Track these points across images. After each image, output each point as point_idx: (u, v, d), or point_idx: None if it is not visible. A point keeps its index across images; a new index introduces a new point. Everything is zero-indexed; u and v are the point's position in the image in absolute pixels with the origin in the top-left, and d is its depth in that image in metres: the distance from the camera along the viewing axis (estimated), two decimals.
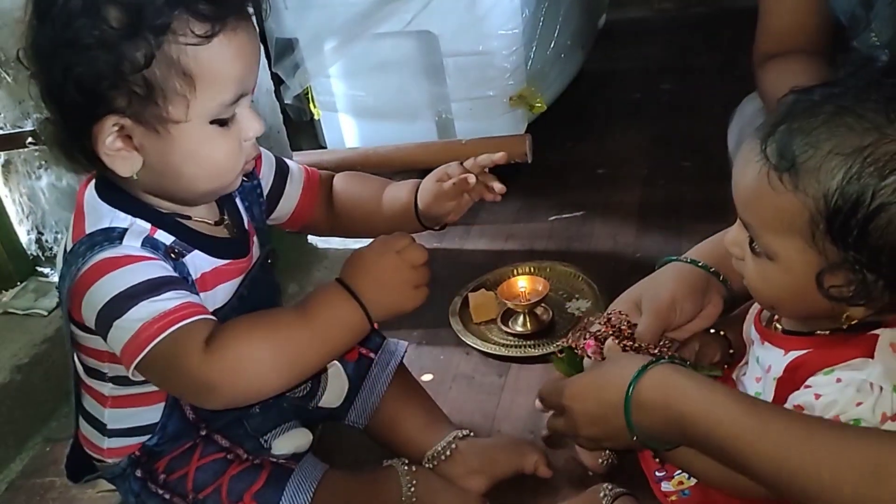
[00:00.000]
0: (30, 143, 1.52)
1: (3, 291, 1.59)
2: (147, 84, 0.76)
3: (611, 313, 0.94)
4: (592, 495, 0.97)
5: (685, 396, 0.74)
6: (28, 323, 1.50)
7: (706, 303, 0.94)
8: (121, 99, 0.77)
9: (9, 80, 1.48)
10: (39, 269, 1.67)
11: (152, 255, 0.83)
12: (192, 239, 0.89)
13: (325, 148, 2.02)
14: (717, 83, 2.13)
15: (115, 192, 0.87)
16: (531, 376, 1.30)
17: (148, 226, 0.85)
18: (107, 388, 0.95)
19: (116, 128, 0.79)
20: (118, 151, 0.80)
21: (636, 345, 0.89)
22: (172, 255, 0.86)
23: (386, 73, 1.84)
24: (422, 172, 2.03)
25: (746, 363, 0.87)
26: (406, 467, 1.02)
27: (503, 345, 1.36)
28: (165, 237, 0.86)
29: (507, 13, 1.74)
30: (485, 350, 1.35)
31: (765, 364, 0.82)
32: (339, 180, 1.10)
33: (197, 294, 0.87)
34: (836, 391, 0.71)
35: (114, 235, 0.83)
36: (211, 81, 0.78)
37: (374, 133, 1.93)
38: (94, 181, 0.89)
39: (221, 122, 0.82)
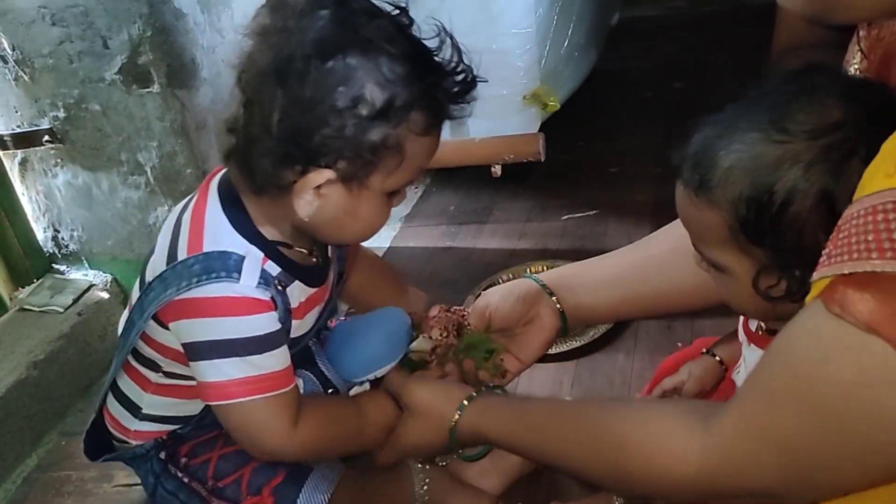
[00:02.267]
0: (46, 141, 1.54)
1: (20, 288, 1.61)
2: (374, 156, 0.81)
3: (454, 308, 1.03)
4: (605, 498, 0.98)
5: (488, 434, 0.87)
6: (44, 319, 1.51)
7: (533, 314, 1.02)
8: (346, 161, 0.81)
9: (26, 78, 1.49)
10: (55, 266, 1.68)
11: (265, 300, 0.87)
12: (293, 269, 0.92)
13: None
14: (731, 81, 2.13)
15: (237, 206, 0.89)
16: (543, 375, 1.30)
17: (260, 255, 0.88)
18: (155, 376, 0.97)
19: (326, 181, 0.82)
20: (308, 195, 0.83)
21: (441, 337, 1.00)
22: (278, 287, 0.89)
23: None
24: (435, 171, 2.04)
25: (741, 364, 0.88)
26: (420, 466, 1.03)
27: None
28: (273, 268, 0.89)
29: (521, 12, 1.74)
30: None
31: (751, 365, 0.83)
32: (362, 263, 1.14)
33: (289, 332, 0.93)
34: None
35: (231, 265, 0.85)
36: (412, 165, 0.85)
37: None
38: (216, 182, 0.91)
39: (392, 194, 0.87)
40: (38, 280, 1.63)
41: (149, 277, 0.89)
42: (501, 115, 1.82)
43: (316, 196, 0.83)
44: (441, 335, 0.99)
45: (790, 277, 0.70)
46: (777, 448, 0.58)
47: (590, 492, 1.03)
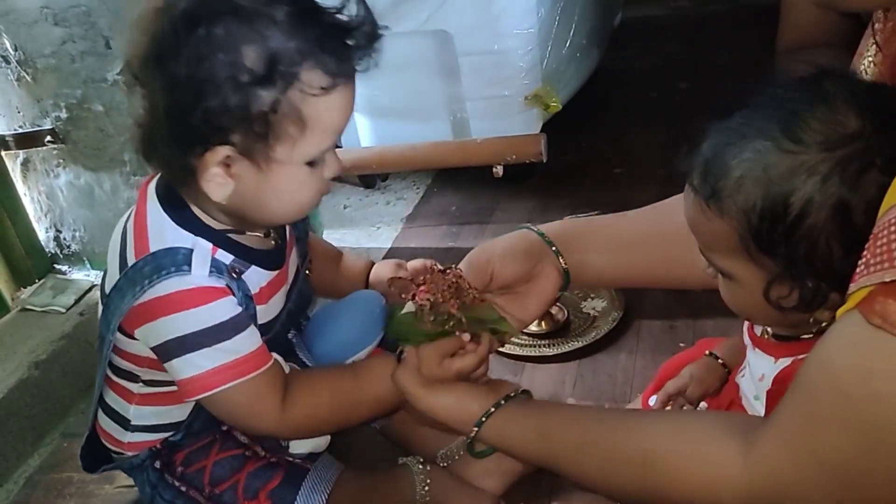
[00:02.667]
0: (48, 141, 1.54)
1: (22, 288, 1.61)
2: (266, 125, 0.79)
3: (448, 267, 0.91)
4: (606, 500, 0.97)
5: (511, 446, 0.84)
6: (46, 320, 1.51)
7: (537, 271, 0.93)
8: (237, 135, 0.79)
9: (28, 78, 1.49)
10: (57, 266, 1.68)
11: (220, 287, 0.86)
12: (247, 255, 0.91)
13: (341, 147, 2.02)
14: (734, 81, 2.12)
15: (177, 202, 0.89)
16: (546, 376, 1.30)
17: (209, 245, 0.87)
18: (135, 387, 0.97)
19: (226, 158, 0.81)
20: (215, 176, 0.82)
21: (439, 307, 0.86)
22: (234, 274, 0.88)
23: (401, 73, 1.84)
24: (437, 172, 2.04)
25: (745, 367, 0.87)
26: (421, 466, 1.02)
27: (518, 344, 1.36)
28: (225, 256, 0.89)
29: (523, 12, 1.73)
30: (499, 350, 1.34)
31: (756, 371, 0.83)
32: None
33: (255, 318, 0.91)
34: None
35: (179, 259, 0.85)
36: (320, 129, 0.82)
37: (389, 132, 1.93)
38: (153, 185, 0.91)
39: (312, 163, 0.85)
40: (39, 280, 1.63)
41: (107, 289, 0.89)
42: (503, 115, 1.82)
43: (227, 177, 0.82)
44: (431, 299, 0.87)
45: (802, 288, 0.69)
46: (828, 469, 0.56)
47: (591, 493, 1.02)
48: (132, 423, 0.99)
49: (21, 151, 1.58)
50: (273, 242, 0.96)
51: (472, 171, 1.90)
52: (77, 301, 1.56)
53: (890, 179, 0.61)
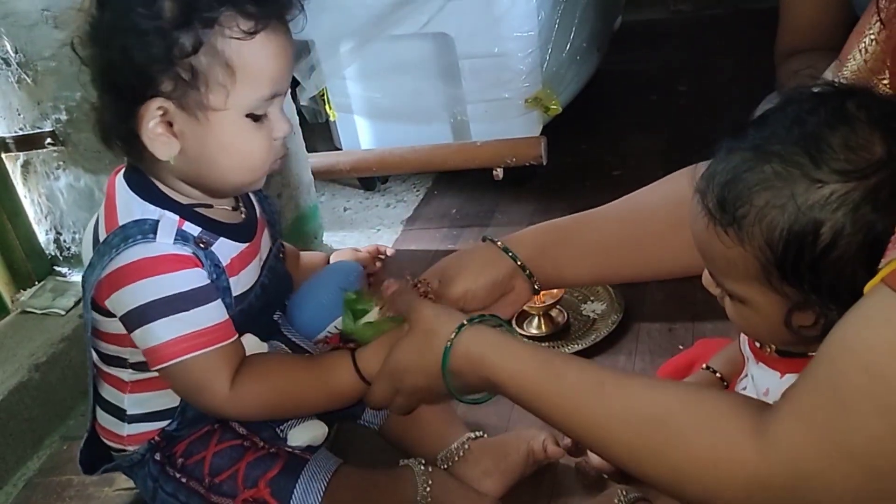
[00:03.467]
0: (48, 143, 1.54)
1: (22, 291, 1.60)
2: (193, 71, 0.82)
3: (419, 280, 0.95)
4: (608, 499, 0.97)
5: (491, 365, 0.77)
6: (46, 322, 1.51)
7: (508, 289, 0.97)
8: (168, 83, 0.83)
9: (28, 80, 1.49)
10: (57, 268, 1.68)
11: (186, 255, 0.88)
12: (215, 227, 0.94)
13: (341, 150, 2.02)
14: (735, 85, 2.12)
15: (144, 182, 0.92)
16: None
17: (176, 217, 0.90)
18: (126, 374, 0.98)
19: (161, 111, 0.84)
20: (159, 136, 0.85)
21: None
22: (201, 245, 0.91)
23: (401, 75, 1.84)
24: (437, 175, 2.05)
25: (746, 376, 0.87)
26: (422, 467, 1.02)
27: None
28: (192, 228, 0.91)
29: (523, 15, 1.74)
30: None
31: (761, 386, 0.81)
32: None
33: (228, 290, 0.93)
34: None
35: (146, 228, 0.88)
36: (250, 76, 0.84)
37: (389, 135, 1.93)
38: (122, 172, 0.94)
39: (255, 118, 0.87)
40: (39, 282, 1.63)
41: (84, 274, 0.92)
42: (503, 118, 1.82)
43: (169, 135, 0.85)
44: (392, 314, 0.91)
45: (827, 315, 0.67)
46: (853, 457, 0.52)
47: (592, 495, 1.02)
48: (128, 412, 1.00)
49: (21, 153, 1.58)
50: (242, 216, 0.99)
51: (473, 173, 1.90)
52: (77, 303, 1.56)
53: None
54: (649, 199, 0.95)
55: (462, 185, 2.02)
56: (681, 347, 1.28)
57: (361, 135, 1.99)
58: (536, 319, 1.39)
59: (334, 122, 2.01)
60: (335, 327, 1.00)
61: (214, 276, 0.92)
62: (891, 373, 0.49)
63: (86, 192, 1.59)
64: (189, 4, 0.80)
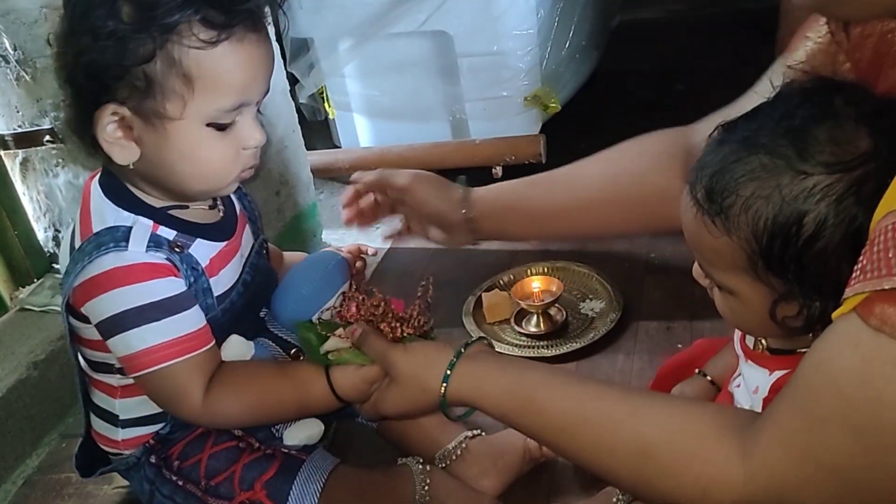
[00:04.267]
0: (47, 141, 1.53)
1: (20, 288, 1.60)
2: (147, 78, 0.80)
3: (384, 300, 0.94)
4: (605, 497, 0.97)
5: (480, 406, 0.82)
6: (45, 320, 1.51)
7: (450, 230, 1.12)
8: (123, 90, 0.81)
9: (27, 78, 1.49)
10: (56, 266, 1.68)
11: (159, 263, 0.88)
12: (191, 229, 0.93)
13: (340, 147, 2.02)
14: (732, 83, 2.12)
15: (117, 186, 0.91)
16: None
17: (150, 223, 0.89)
18: (115, 379, 0.98)
19: (116, 117, 0.83)
20: (117, 140, 0.84)
21: (388, 321, 0.90)
22: (177, 249, 0.90)
23: (400, 73, 1.84)
24: (436, 172, 2.04)
25: (739, 375, 0.87)
26: (421, 466, 1.03)
27: (516, 345, 1.36)
28: (167, 232, 0.91)
29: (522, 13, 1.74)
30: (498, 350, 1.35)
31: (751, 383, 0.82)
32: None
33: (209, 291, 0.93)
34: None
35: (119, 236, 0.87)
36: (210, 86, 0.81)
37: (388, 133, 1.93)
38: (97, 176, 0.93)
39: (219, 127, 0.85)
40: (38, 280, 1.62)
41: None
42: (502, 116, 1.82)
43: (129, 140, 0.84)
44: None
45: (810, 307, 0.68)
46: (827, 471, 0.56)
47: (590, 493, 1.03)
48: (121, 417, 1.00)
49: (20, 151, 1.58)
50: (220, 213, 0.98)
51: (472, 171, 1.90)
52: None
53: None
54: (589, 171, 1.06)
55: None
56: (679, 346, 1.29)
57: (360, 133, 1.99)
58: (535, 318, 1.39)
59: (333, 119, 2.02)
60: (317, 316, 1.00)
61: (192, 279, 0.91)
62: (860, 396, 0.52)
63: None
64: (147, 10, 0.78)
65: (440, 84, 1.83)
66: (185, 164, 0.86)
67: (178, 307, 0.89)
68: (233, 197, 1.04)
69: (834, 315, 0.55)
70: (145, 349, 0.87)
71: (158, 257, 0.88)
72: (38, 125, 1.53)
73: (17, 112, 1.53)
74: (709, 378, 0.99)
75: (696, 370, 1.01)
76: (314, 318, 0.98)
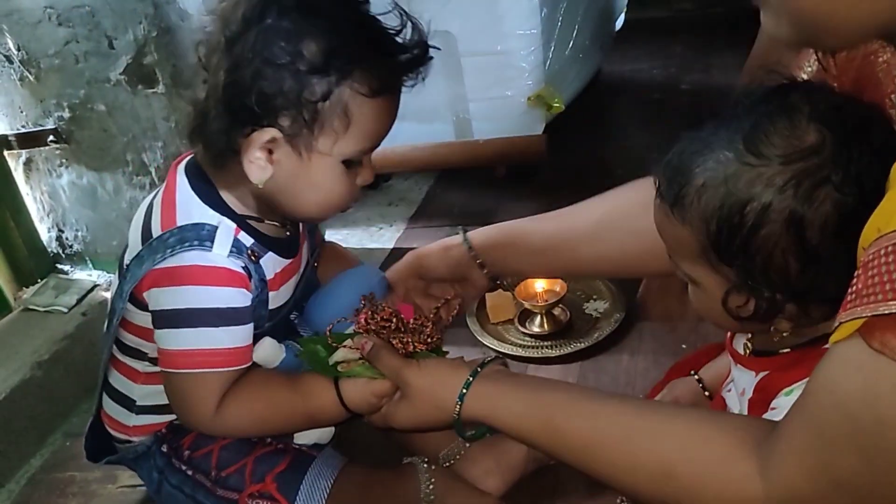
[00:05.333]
0: (51, 141, 1.54)
1: (24, 288, 1.61)
2: (314, 113, 0.84)
3: (383, 307, 0.95)
4: (610, 498, 0.97)
5: (496, 426, 0.82)
6: (48, 320, 1.51)
7: (465, 275, 1.06)
8: (286, 118, 0.84)
9: (31, 78, 1.49)
10: (60, 266, 1.68)
11: (237, 272, 0.89)
12: (265, 241, 0.95)
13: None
14: (737, 83, 2.12)
15: (205, 183, 0.92)
16: (548, 376, 1.30)
17: (233, 225, 0.91)
18: (141, 365, 0.99)
19: (271, 141, 0.85)
20: (257, 159, 0.86)
21: (400, 335, 0.91)
22: (253, 258, 0.92)
23: None
24: (440, 172, 2.04)
25: (731, 380, 0.88)
26: (426, 465, 1.03)
27: (520, 345, 1.36)
28: (247, 239, 0.92)
29: (526, 13, 1.74)
30: (502, 351, 1.35)
31: (739, 386, 0.84)
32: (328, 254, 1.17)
33: (266, 303, 0.95)
34: None
35: (204, 234, 0.88)
36: (361, 130, 0.87)
37: (391, 133, 1.93)
38: (184, 164, 0.94)
39: (349, 164, 0.89)
40: (42, 280, 1.63)
41: (127, 261, 0.92)
42: (506, 116, 1.82)
43: (268, 161, 0.86)
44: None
45: (758, 298, 0.71)
46: (840, 488, 0.57)
47: (594, 493, 1.02)
48: (137, 403, 1.00)
49: (24, 151, 1.58)
50: (287, 232, 0.99)
51: (475, 171, 1.91)
52: (79, 301, 1.56)
53: (845, 197, 0.64)
54: (592, 204, 1.04)
55: (465, 183, 2.02)
56: (683, 347, 1.29)
57: None
58: (539, 318, 1.39)
59: None
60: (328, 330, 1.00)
61: (258, 290, 0.93)
62: (865, 417, 0.53)
63: (88, 189, 1.59)
64: (331, 52, 0.82)
65: (444, 84, 1.83)
66: (312, 192, 0.90)
67: (236, 320, 0.90)
68: None
69: (831, 339, 0.56)
70: (190, 350, 0.88)
71: (237, 264, 0.89)
72: (41, 125, 1.54)
73: (21, 112, 1.54)
74: (698, 379, 1.00)
75: (692, 371, 1.01)
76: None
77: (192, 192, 0.91)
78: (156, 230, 0.90)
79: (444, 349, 0.94)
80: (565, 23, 1.88)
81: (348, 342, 0.92)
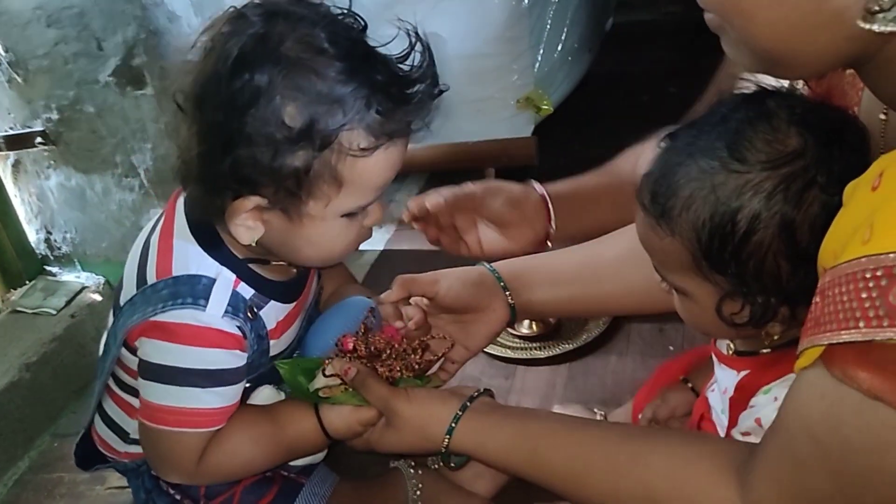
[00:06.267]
0: (39, 143, 1.53)
1: (12, 290, 1.60)
2: (298, 183, 0.76)
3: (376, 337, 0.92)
4: None
5: (483, 459, 0.84)
6: (37, 322, 1.51)
7: (486, 304, 0.99)
8: (268, 188, 0.76)
9: (19, 80, 1.49)
10: (48, 268, 1.68)
11: (232, 333, 0.84)
12: (267, 289, 0.89)
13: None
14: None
15: (204, 223, 0.85)
16: (538, 378, 1.30)
17: (233, 277, 0.85)
18: (137, 402, 0.94)
19: (256, 208, 0.78)
20: (244, 221, 0.79)
21: (390, 368, 0.88)
22: (251, 314, 0.86)
23: None
24: (429, 175, 2.04)
25: (715, 381, 0.89)
26: (412, 470, 1.02)
27: (509, 347, 1.36)
28: (246, 290, 0.86)
29: (515, 15, 1.74)
30: (491, 352, 1.35)
31: (722, 385, 0.85)
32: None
33: (266, 353, 0.90)
34: (773, 413, 0.74)
35: (199, 291, 0.82)
36: (358, 188, 0.78)
37: None
38: (182, 200, 0.87)
39: (350, 215, 0.82)
40: (30, 282, 1.63)
41: (122, 302, 0.87)
42: (495, 118, 1.82)
43: (257, 222, 0.79)
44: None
45: (753, 304, 0.71)
46: None
47: None
48: (131, 435, 0.98)
49: (11, 153, 1.58)
50: (294, 271, 0.93)
51: (465, 174, 1.90)
52: (68, 303, 1.56)
53: (831, 197, 0.64)
54: (617, 236, 1.00)
55: (454, 184, 2.02)
56: (671, 348, 1.29)
57: None
58: (528, 320, 1.39)
59: None
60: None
61: (255, 346, 0.88)
62: (832, 442, 0.54)
63: (77, 191, 1.59)
64: (311, 117, 0.72)
65: None
66: (310, 249, 0.83)
67: (225, 381, 0.85)
68: None
69: (796, 366, 0.57)
70: (171, 407, 0.84)
71: (232, 325, 0.83)
72: (29, 127, 1.53)
73: (9, 114, 1.53)
74: (691, 386, 1.00)
75: (681, 377, 1.02)
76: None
77: (191, 236, 0.84)
78: (151, 276, 0.84)
79: (426, 378, 0.92)
80: (554, 25, 1.89)
81: (327, 368, 0.89)
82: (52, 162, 1.57)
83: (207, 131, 0.75)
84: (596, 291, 1.00)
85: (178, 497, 0.97)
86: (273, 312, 0.90)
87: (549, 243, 1.06)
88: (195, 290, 0.82)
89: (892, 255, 0.47)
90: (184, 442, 0.85)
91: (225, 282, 0.83)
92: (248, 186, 0.76)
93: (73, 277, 1.66)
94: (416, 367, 0.89)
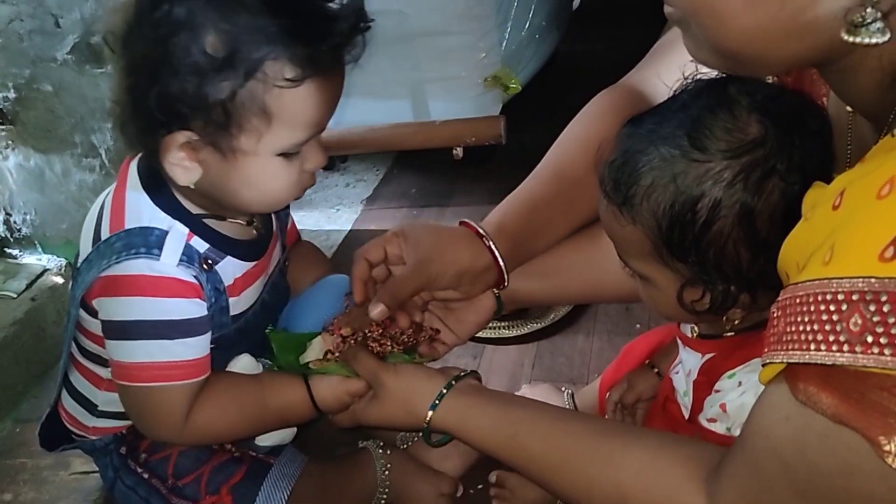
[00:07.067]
0: None
1: None
2: (226, 114, 0.76)
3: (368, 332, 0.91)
4: None
5: (463, 438, 0.84)
6: None
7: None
8: (197, 121, 0.76)
9: None
10: (8, 250, 1.65)
11: (187, 282, 0.84)
12: (224, 244, 0.89)
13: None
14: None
15: (157, 181, 0.86)
16: (505, 358, 1.31)
17: (185, 230, 0.85)
18: (104, 372, 0.95)
19: (188, 143, 0.78)
20: (180, 161, 0.79)
21: (381, 343, 0.89)
22: (205, 267, 0.86)
23: None
24: (396, 154, 2.03)
25: (679, 362, 0.90)
26: (381, 451, 1.03)
27: None
28: (200, 244, 0.86)
29: None
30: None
31: (686, 367, 0.86)
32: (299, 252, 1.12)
33: (226, 309, 0.90)
34: (738, 399, 0.76)
35: (152, 241, 0.83)
36: (288, 122, 0.78)
37: (348, 114, 1.91)
38: (135, 163, 0.88)
39: (287, 155, 0.82)
40: None
41: (79, 265, 0.87)
42: (462, 97, 1.81)
43: (192, 161, 0.79)
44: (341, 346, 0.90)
45: (713, 291, 0.72)
46: None
47: None
48: (99, 408, 0.98)
49: None
50: (255, 232, 0.93)
51: (432, 153, 1.90)
52: (29, 286, 1.53)
53: (791, 185, 0.65)
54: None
55: (422, 164, 2.02)
56: (637, 326, 1.30)
57: None
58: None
59: None
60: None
61: (213, 299, 0.88)
62: (799, 464, 0.54)
63: (36, 171, 1.56)
64: (234, 45, 0.72)
65: (399, 64, 1.81)
66: (249, 190, 0.83)
67: (192, 331, 0.85)
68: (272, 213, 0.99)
69: (761, 378, 0.57)
70: (146, 363, 0.84)
71: (188, 273, 0.84)
72: None
73: None
74: (657, 371, 1.01)
75: (647, 362, 1.03)
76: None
77: (143, 193, 0.85)
78: (105, 232, 0.85)
79: (415, 354, 0.93)
80: (521, 3, 1.88)
81: (318, 340, 0.90)
82: (9, 142, 1.54)
83: (133, 65, 0.76)
84: (578, 284, 1.00)
85: (145, 476, 0.96)
86: (230, 268, 0.90)
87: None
88: (148, 241, 0.83)
89: (852, 280, 0.47)
90: (166, 397, 0.86)
91: (178, 234, 0.84)
92: (177, 121, 0.76)
93: (34, 260, 1.63)
94: (406, 341, 0.90)
